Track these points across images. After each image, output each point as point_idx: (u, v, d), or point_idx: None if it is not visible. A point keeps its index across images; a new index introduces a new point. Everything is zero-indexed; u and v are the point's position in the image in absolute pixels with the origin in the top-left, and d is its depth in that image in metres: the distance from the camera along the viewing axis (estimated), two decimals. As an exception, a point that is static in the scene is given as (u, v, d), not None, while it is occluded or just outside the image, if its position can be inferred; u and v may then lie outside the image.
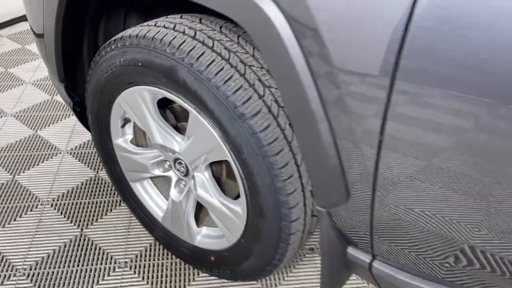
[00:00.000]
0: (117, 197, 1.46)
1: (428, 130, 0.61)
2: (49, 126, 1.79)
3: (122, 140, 1.17)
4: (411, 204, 0.69)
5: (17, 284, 1.19)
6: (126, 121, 1.14)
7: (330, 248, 0.86)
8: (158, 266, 1.25)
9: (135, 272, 1.23)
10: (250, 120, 0.81)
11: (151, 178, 1.21)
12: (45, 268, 1.23)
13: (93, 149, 1.66)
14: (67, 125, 1.80)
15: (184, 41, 0.86)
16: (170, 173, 1.14)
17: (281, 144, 0.83)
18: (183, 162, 1.05)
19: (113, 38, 1.00)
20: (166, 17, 0.97)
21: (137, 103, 1.03)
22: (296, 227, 0.90)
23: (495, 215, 0.62)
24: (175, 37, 0.87)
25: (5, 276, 1.21)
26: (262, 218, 0.92)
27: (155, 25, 0.93)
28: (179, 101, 0.92)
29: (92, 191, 1.49)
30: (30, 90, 2.01)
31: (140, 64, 0.93)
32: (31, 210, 1.41)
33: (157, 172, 1.15)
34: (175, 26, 0.90)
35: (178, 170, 1.08)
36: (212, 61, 0.83)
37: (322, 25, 0.64)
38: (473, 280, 0.71)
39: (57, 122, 1.82)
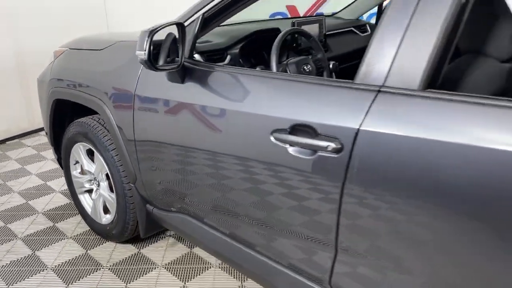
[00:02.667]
0: None
1: (157, 137, 1.85)
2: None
3: (75, 172, 2.45)
4: (159, 180, 1.89)
5: None
6: (76, 161, 2.43)
7: (139, 206, 2.05)
8: None
9: None
10: (111, 152, 2.07)
11: (86, 190, 2.46)
12: None
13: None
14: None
15: (94, 125, 2.17)
16: (92, 186, 2.39)
17: (123, 160, 2.07)
18: (96, 179, 2.30)
19: (71, 123, 2.33)
20: (90, 117, 2.29)
21: (79, 152, 2.32)
22: (131, 198, 2.10)
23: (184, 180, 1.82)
24: (90, 124, 2.19)
25: None
26: (118, 196, 2.12)
27: (83, 120, 2.26)
28: (91, 147, 2.21)
29: None
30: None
31: (77, 133, 2.25)
32: None
33: (88, 186, 2.40)
34: (89, 121, 2.22)
35: (94, 183, 2.33)
36: (99, 131, 2.13)
37: (114, 115, 1.92)
38: (185, 210, 1.88)
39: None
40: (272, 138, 1.32)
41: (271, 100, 1.37)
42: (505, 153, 0.92)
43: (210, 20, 1.64)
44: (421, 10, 1.09)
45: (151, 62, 1.44)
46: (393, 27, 1.13)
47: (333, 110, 1.21)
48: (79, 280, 2.10)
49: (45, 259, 2.26)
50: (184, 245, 2.38)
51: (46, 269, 2.18)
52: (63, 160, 2.47)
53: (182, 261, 2.24)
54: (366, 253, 1.21)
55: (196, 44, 1.79)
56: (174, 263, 2.23)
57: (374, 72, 1.15)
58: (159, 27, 1.46)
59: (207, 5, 1.59)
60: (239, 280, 2.09)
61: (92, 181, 2.37)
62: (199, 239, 1.85)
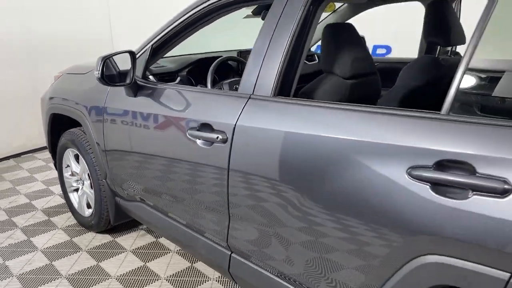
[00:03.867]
0: None
1: (118, 140, 2.35)
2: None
3: (66, 174, 2.97)
4: (122, 176, 2.38)
5: None
6: (67, 165, 2.95)
7: (109, 198, 2.54)
8: None
9: None
10: (90, 155, 2.58)
11: (74, 189, 2.96)
12: None
13: None
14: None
15: (79, 134, 2.69)
16: (79, 185, 2.89)
17: (97, 160, 2.57)
18: (81, 179, 2.81)
19: (63, 133, 2.86)
20: (78, 128, 2.82)
21: (68, 156, 2.85)
22: (104, 192, 2.58)
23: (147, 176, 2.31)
24: (76, 133, 2.71)
25: None
26: (95, 191, 2.62)
27: (72, 130, 2.79)
28: (77, 152, 2.73)
29: None
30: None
31: (67, 140, 2.78)
32: None
33: (75, 185, 2.91)
34: (76, 130, 2.75)
35: (79, 183, 2.84)
36: (82, 138, 2.65)
37: (91, 124, 2.43)
38: (150, 199, 2.36)
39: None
40: (187, 135, 1.79)
41: (190, 107, 1.85)
42: (329, 139, 1.35)
43: (158, 50, 2.15)
44: (273, 41, 1.57)
45: (104, 79, 1.95)
46: (258, 52, 1.61)
47: (222, 112, 1.68)
48: (62, 258, 2.57)
49: (37, 243, 2.75)
50: (152, 236, 2.83)
51: (36, 250, 2.67)
52: (57, 164, 3.00)
53: (147, 247, 2.69)
54: (248, 218, 1.64)
55: (152, 68, 2.31)
56: (140, 248, 2.68)
57: (247, 84, 1.62)
58: (112, 54, 1.98)
59: (154, 38, 2.12)
60: (189, 261, 2.52)
61: (78, 181, 2.87)
62: (148, 220, 2.31)
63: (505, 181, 0.99)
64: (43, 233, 2.89)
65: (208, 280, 2.33)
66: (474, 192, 1.04)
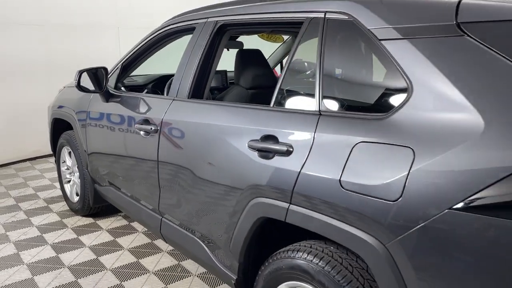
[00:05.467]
0: None
1: (94, 136, 3.00)
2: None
3: (62, 168, 3.64)
4: (96, 165, 3.03)
5: None
6: (63, 161, 3.63)
7: (90, 184, 3.18)
8: None
9: None
10: (78, 150, 3.25)
11: (67, 181, 3.62)
12: None
13: None
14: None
15: (72, 134, 3.38)
16: (71, 176, 3.56)
17: (82, 153, 3.22)
18: (73, 171, 3.47)
19: (62, 134, 3.55)
20: (71, 130, 3.51)
21: (64, 153, 3.53)
22: (86, 180, 3.23)
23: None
24: (70, 133, 3.40)
25: None
26: (81, 180, 3.27)
27: (67, 132, 3.49)
28: (69, 148, 3.40)
29: None
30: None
31: (64, 140, 3.46)
32: None
33: (68, 176, 3.58)
34: (70, 132, 3.44)
35: (71, 174, 3.50)
36: (74, 137, 3.32)
37: (78, 127, 3.11)
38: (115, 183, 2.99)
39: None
40: (135, 128, 2.41)
41: (138, 108, 2.48)
42: (210, 125, 1.94)
43: (127, 67, 2.83)
44: (189, 61, 2.19)
45: (80, 86, 2.62)
46: (180, 68, 2.24)
47: (156, 110, 2.30)
48: (51, 232, 3.21)
49: (34, 221, 3.41)
50: (127, 221, 3.44)
51: (32, 226, 3.32)
52: (56, 160, 3.69)
53: (120, 228, 3.30)
54: (170, 188, 2.23)
55: (125, 82, 2.98)
56: (114, 229, 3.29)
57: (173, 90, 2.25)
58: (89, 69, 2.66)
59: (124, 58, 2.79)
60: (155, 243, 3.11)
61: (71, 173, 3.54)
62: (114, 200, 2.92)
63: (291, 146, 1.55)
64: (40, 214, 3.55)
65: (190, 276, 2.86)
66: (276, 154, 1.60)
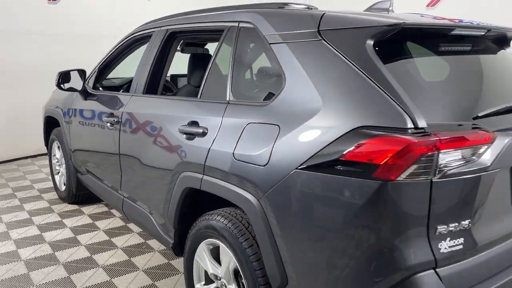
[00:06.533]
0: None
1: (75, 129, 3.42)
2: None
3: (53, 161, 4.07)
4: (77, 155, 3.44)
5: None
6: (54, 154, 4.06)
7: (73, 173, 3.59)
8: None
9: None
10: (64, 144, 3.67)
11: (57, 172, 4.05)
12: None
13: None
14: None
15: (60, 130, 3.81)
16: (60, 168, 3.98)
17: (67, 145, 3.64)
18: (61, 163, 3.90)
19: (53, 130, 3.99)
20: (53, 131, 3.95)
21: (55, 147, 3.96)
22: (70, 170, 3.64)
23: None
24: (59, 130, 3.83)
25: None
26: (66, 170, 3.68)
27: (57, 128, 3.92)
28: (58, 142, 3.83)
29: None
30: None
31: (54, 135, 3.89)
32: None
33: (58, 168, 4.00)
34: (59, 128, 3.87)
35: (60, 166, 3.93)
36: (61, 132, 3.76)
37: (62, 121, 3.54)
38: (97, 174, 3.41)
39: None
40: (103, 120, 2.82)
41: (107, 104, 2.89)
42: (155, 115, 2.34)
43: (103, 69, 3.25)
44: (145, 62, 2.59)
45: (59, 85, 3.05)
46: (138, 69, 2.64)
47: (119, 104, 2.71)
48: (39, 216, 3.63)
49: (25, 207, 3.84)
50: (107, 208, 3.84)
51: (24, 211, 3.76)
52: (48, 154, 4.12)
53: (100, 213, 3.70)
54: (127, 171, 2.62)
55: (104, 83, 3.40)
56: (95, 214, 3.69)
57: (133, 87, 2.65)
58: (67, 71, 3.08)
59: (100, 62, 3.22)
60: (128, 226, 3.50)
61: (60, 165, 3.97)
62: (92, 186, 3.32)
63: (206, 128, 1.94)
64: (32, 202, 3.98)
65: (178, 274, 3.25)
66: (197, 136, 1.98)
